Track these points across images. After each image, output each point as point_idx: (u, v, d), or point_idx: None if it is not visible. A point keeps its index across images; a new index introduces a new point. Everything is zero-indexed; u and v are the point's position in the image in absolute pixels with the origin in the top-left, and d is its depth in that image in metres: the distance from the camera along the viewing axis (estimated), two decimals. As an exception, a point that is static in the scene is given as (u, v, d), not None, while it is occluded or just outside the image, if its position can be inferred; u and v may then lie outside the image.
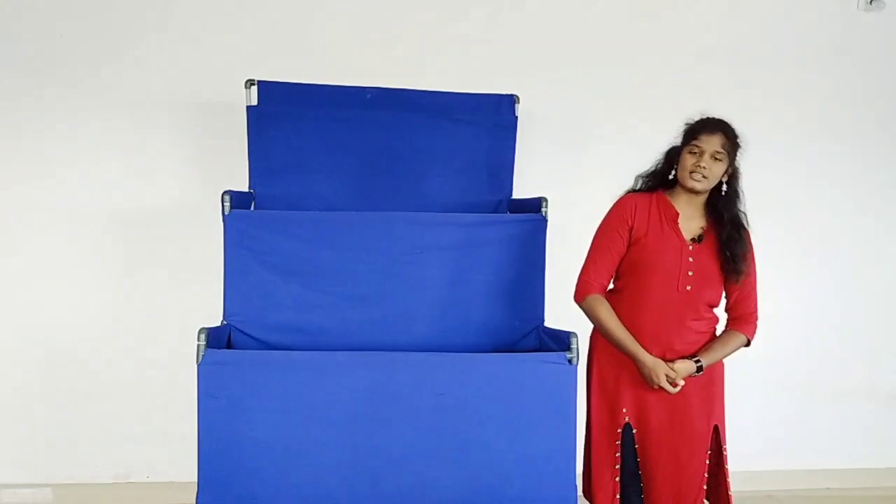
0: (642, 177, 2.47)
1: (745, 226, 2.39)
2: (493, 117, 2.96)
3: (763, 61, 3.54)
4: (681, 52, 3.48)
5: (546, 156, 3.34)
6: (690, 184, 2.31)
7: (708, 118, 2.36)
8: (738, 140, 2.35)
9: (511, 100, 2.98)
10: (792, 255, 3.56)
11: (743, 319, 2.39)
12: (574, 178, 3.31)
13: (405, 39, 3.34)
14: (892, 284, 3.67)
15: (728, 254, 2.33)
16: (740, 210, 2.39)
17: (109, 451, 3.28)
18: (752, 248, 2.40)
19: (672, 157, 2.41)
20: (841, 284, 3.63)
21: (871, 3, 3.54)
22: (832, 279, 3.62)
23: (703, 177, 2.30)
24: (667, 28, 3.49)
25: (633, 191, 2.46)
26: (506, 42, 3.40)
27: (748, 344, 2.41)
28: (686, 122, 2.39)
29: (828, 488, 3.60)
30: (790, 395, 3.62)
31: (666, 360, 2.31)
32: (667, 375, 2.28)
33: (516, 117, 2.98)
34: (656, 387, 2.30)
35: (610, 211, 2.43)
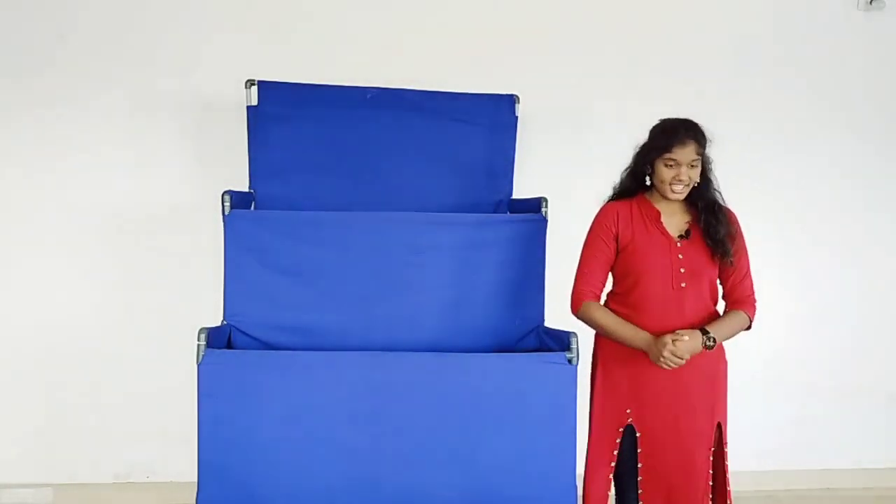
0: (620, 183, 2.45)
1: (724, 206, 2.38)
2: (493, 117, 2.96)
3: (763, 61, 3.54)
4: (681, 52, 3.48)
5: (546, 156, 3.34)
6: (672, 196, 2.33)
7: (676, 127, 2.30)
8: (707, 136, 2.34)
9: (511, 100, 2.98)
10: (793, 254, 3.56)
11: (741, 302, 2.38)
12: (574, 178, 3.30)
13: (405, 39, 3.34)
14: (894, 284, 3.67)
15: (710, 241, 2.33)
16: (716, 192, 2.38)
17: (109, 451, 3.28)
18: (737, 227, 2.39)
19: (643, 157, 2.38)
20: (842, 284, 3.62)
21: (871, 3, 3.54)
22: (833, 278, 3.62)
23: (685, 186, 2.31)
24: (667, 28, 3.49)
25: (613, 198, 2.46)
26: (506, 42, 3.39)
27: (749, 327, 2.39)
28: (653, 128, 2.36)
29: (828, 488, 3.59)
30: (791, 395, 3.61)
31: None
32: (673, 341, 2.19)
33: (516, 117, 2.98)
34: (663, 361, 2.20)
35: (593, 222, 2.44)
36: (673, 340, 2.21)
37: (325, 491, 2.19)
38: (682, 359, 2.21)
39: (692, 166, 2.30)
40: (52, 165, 3.22)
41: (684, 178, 2.29)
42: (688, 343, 2.22)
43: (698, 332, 2.26)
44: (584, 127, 3.41)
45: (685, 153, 2.28)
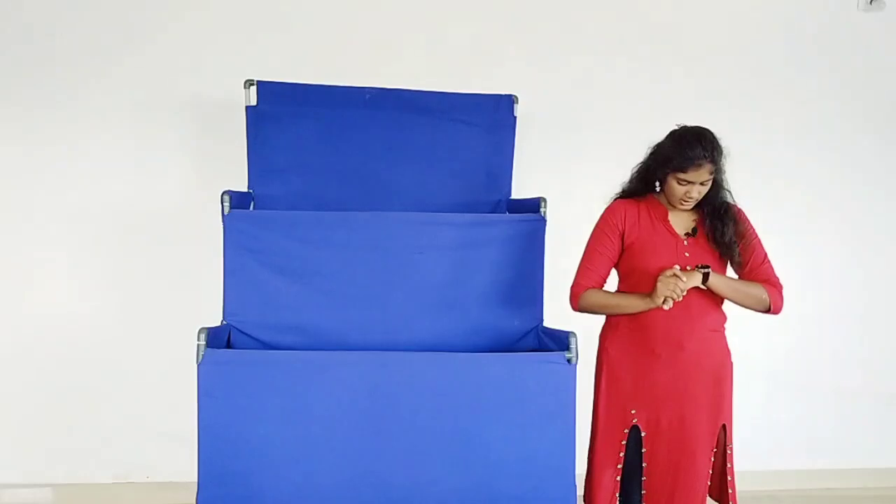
0: (630, 182, 2.45)
1: (733, 205, 2.38)
2: (492, 117, 2.96)
3: (762, 61, 3.54)
4: (680, 52, 3.49)
5: (545, 156, 3.34)
6: (680, 208, 2.35)
7: (694, 146, 2.24)
8: (721, 149, 2.30)
9: (510, 100, 2.98)
10: (794, 255, 3.54)
11: (767, 283, 2.36)
12: (573, 178, 3.31)
13: (405, 39, 3.34)
14: (894, 284, 3.67)
15: (715, 244, 2.34)
16: (725, 192, 2.37)
17: (109, 451, 3.28)
18: (746, 223, 2.39)
19: (656, 167, 2.35)
20: (843, 284, 3.62)
21: (871, 3, 3.54)
22: (834, 278, 3.62)
23: (694, 201, 2.32)
24: (666, 28, 3.49)
25: (621, 196, 2.46)
26: (505, 42, 3.40)
27: (769, 310, 2.35)
28: (670, 137, 2.31)
29: (829, 488, 3.59)
30: (792, 394, 3.61)
31: (678, 358, 2.30)
32: (665, 274, 2.21)
33: (515, 117, 2.97)
34: (663, 286, 2.19)
35: (600, 218, 2.44)
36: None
37: (324, 490, 2.19)
38: (681, 283, 2.19)
39: (704, 184, 2.30)
40: (51, 165, 3.22)
41: (695, 195, 2.30)
42: (684, 272, 2.22)
43: (696, 272, 2.24)
44: (582, 127, 3.41)
45: (699, 175, 2.27)
